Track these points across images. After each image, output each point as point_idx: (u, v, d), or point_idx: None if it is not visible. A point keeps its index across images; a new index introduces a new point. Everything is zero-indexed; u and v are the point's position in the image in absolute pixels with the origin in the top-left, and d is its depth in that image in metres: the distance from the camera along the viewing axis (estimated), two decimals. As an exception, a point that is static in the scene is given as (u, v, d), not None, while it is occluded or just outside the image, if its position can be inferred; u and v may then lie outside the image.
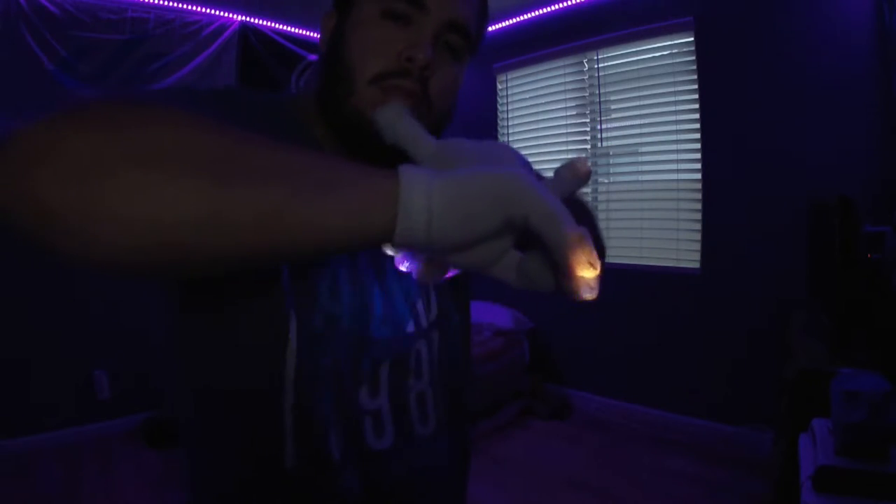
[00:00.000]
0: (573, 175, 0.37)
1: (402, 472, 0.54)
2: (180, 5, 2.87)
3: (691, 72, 2.65)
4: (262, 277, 0.48)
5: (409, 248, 0.35)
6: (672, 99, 2.74)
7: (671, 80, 2.74)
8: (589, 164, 0.37)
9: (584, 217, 0.60)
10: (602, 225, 3.03)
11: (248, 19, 3.12)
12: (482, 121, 3.50)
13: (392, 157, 0.50)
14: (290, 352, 0.48)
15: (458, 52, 0.53)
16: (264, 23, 3.20)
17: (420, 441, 0.56)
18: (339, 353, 0.51)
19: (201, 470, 0.55)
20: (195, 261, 0.32)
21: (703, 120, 2.62)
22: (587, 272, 0.33)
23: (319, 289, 0.51)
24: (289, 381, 0.48)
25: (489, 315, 3.23)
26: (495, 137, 3.39)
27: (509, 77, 3.47)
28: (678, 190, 2.76)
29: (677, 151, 2.76)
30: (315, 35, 3.45)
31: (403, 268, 0.36)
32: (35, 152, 0.28)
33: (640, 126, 2.89)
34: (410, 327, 0.56)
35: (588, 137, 3.12)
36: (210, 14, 2.98)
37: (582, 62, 3.12)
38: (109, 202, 0.28)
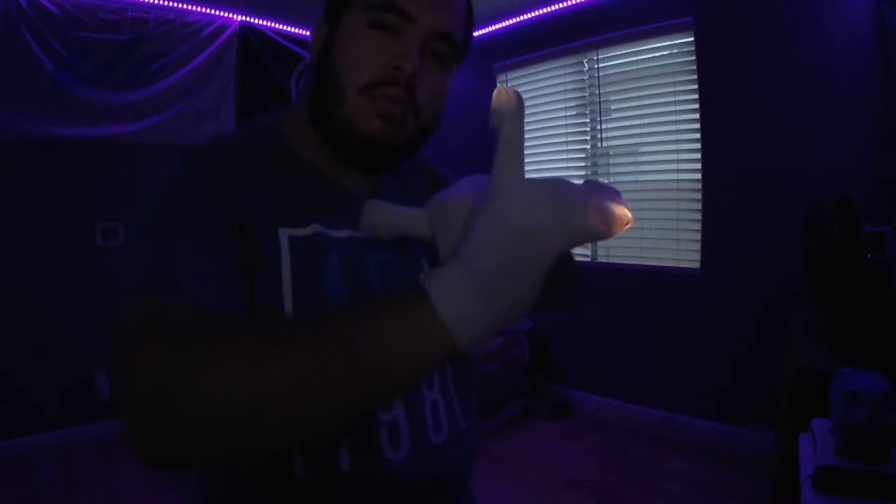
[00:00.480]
0: (500, 106, 0.36)
1: (416, 481, 0.55)
2: (180, 5, 2.87)
3: (691, 72, 2.65)
4: (264, 296, 0.49)
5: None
6: (672, 99, 2.74)
7: (671, 80, 2.74)
8: (509, 92, 0.36)
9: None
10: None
11: (248, 19, 3.12)
12: (482, 121, 3.49)
13: (383, 162, 0.58)
14: None
15: (444, 60, 0.55)
16: (264, 23, 3.20)
17: (434, 449, 0.56)
18: None
19: (208, 472, 0.55)
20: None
21: (702, 120, 2.62)
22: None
23: (327, 301, 0.52)
24: None
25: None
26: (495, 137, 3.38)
27: (509, 77, 3.47)
28: (678, 190, 2.76)
29: (677, 151, 2.76)
30: (315, 35, 3.45)
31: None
32: (148, 419, 0.35)
33: (640, 126, 2.89)
34: None
35: (588, 137, 3.12)
36: (210, 14, 2.98)
37: (582, 62, 3.12)
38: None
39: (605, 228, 0.32)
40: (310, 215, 0.54)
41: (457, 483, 0.61)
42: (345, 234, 0.55)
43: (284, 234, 0.51)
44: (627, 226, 0.33)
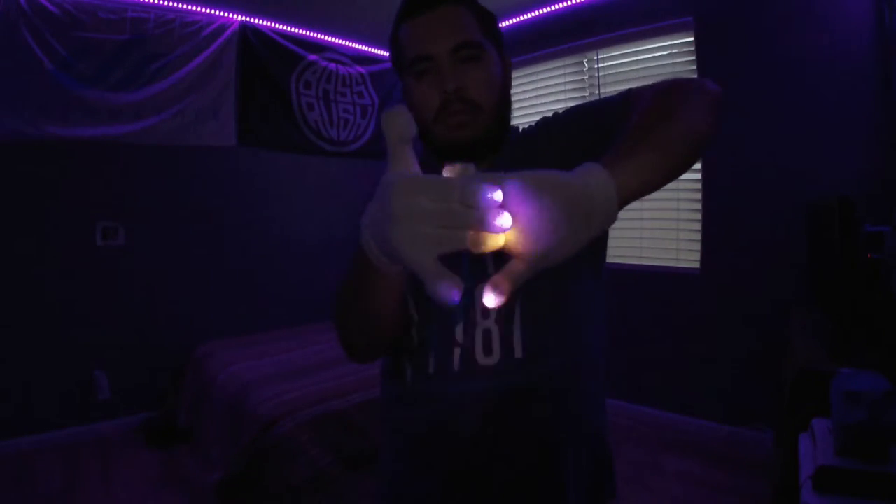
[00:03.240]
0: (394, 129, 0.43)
1: (464, 394, 0.70)
2: (180, 5, 2.87)
3: (691, 72, 2.65)
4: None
5: None
6: (672, 99, 2.74)
7: (671, 80, 2.74)
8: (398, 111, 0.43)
9: None
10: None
11: (248, 19, 3.12)
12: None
13: (482, 151, 0.72)
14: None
15: (475, 58, 0.69)
16: (264, 23, 3.20)
17: (482, 370, 0.69)
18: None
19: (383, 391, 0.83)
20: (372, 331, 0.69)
21: (703, 120, 2.61)
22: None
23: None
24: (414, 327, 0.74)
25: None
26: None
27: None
28: (678, 190, 2.76)
29: (677, 151, 2.75)
30: (314, 35, 3.45)
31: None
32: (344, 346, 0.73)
33: (640, 126, 2.89)
34: (469, 274, 0.67)
35: (588, 137, 3.12)
36: (210, 14, 2.98)
37: (582, 62, 3.12)
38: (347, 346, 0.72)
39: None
40: None
41: (515, 408, 0.70)
42: None
43: None
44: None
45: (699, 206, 2.67)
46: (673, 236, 2.80)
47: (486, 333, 0.70)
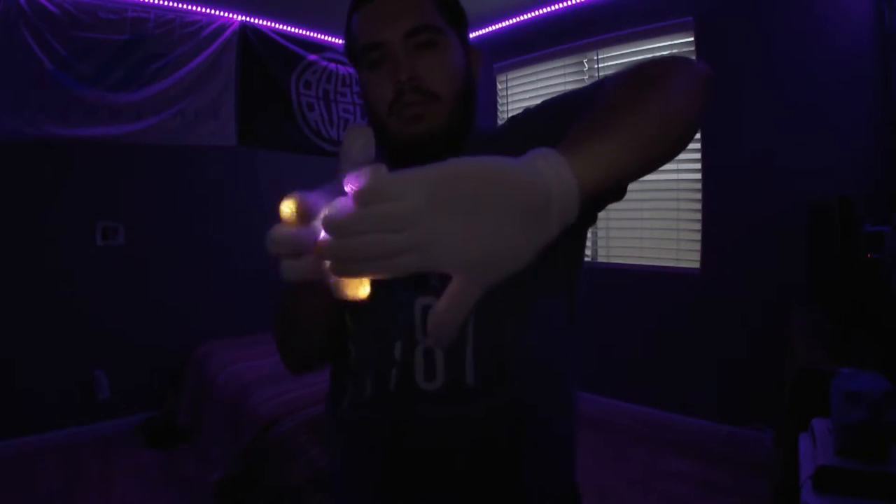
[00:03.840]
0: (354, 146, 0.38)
1: (413, 419, 0.62)
2: (180, 5, 2.87)
3: (691, 72, 2.65)
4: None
5: None
6: (672, 99, 2.74)
7: (671, 80, 2.74)
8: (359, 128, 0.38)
9: None
10: (602, 225, 3.03)
11: (247, 19, 3.12)
12: (482, 121, 3.49)
13: (442, 149, 0.63)
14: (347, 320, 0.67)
15: (432, 44, 0.63)
16: (264, 23, 3.20)
17: (425, 395, 0.61)
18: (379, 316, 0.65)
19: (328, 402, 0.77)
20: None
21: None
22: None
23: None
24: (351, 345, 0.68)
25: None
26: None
27: (509, 77, 3.47)
28: (678, 190, 2.76)
29: (677, 151, 2.75)
30: (314, 35, 3.45)
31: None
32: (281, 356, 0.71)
33: (640, 126, 2.89)
34: (407, 285, 0.62)
35: (588, 137, 3.11)
36: (210, 14, 2.97)
37: (582, 62, 3.12)
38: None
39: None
40: None
41: (458, 434, 0.60)
42: None
43: None
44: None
45: (699, 206, 2.67)
46: (673, 236, 2.80)
47: (428, 354, 0.61)
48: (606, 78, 0.57)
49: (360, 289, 0.32)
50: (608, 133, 0.40)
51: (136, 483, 2.32)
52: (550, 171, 0.33)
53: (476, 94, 0.69)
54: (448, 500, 0.61)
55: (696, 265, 2.70)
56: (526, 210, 0.31)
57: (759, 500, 2.00)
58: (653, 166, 0.44)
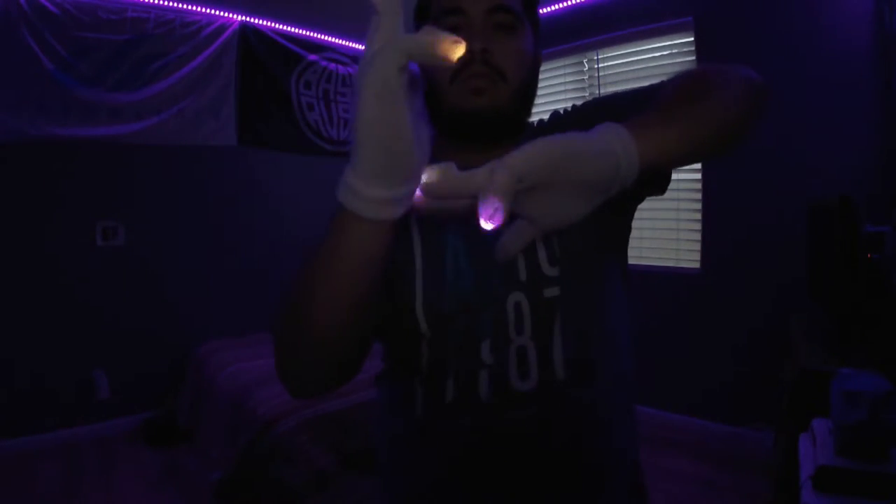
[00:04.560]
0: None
1: (503, 422, 0.58)
2: (180, 5, 2.87)
3: (691, 72, 2.65)
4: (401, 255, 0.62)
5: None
6: (672, 99, 2.74)
7: (671, 80, 2.74)
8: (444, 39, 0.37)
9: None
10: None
11: (248, 19, 3.12)
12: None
13: (497, 131, 0.63)
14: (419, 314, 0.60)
15: (510, 26, 0.62)
16: (264, 23, 3.20)
17: (518, 397, 0.58)
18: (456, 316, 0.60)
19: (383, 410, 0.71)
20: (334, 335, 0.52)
21: (703, 120, 2.61)
22: None
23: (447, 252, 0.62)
24: (423, 340, 0.61)
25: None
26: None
27: (509, 77, 3.47)
28: (678, 190, 2.76)
29: (677, 151, 2.75)
30: (314, 35, 3.45)
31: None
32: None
33: (640, 126, 2.89)
34: (499, 281, 0.60)
35: (588, 137, 3.12)
36: (210, 14, 2.97)
37: (582, 62, 3.12)
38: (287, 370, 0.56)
39: None
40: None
41: (560, 433, 0.59)
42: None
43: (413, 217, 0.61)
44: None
45: (699, 206, 2.67)
46: (673, 236, 2.80)
47: (521, 351, 0.59)
48: (667, 81, 0.61)
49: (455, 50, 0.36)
50: (670, 122, 0.45)
51: (136, 483, 2.32)
52: (619, 145, 0.39)
53: (536, 90, 0.68)
54: (530, 499, 0.60)
55: (696, 265, 2.69)
56: (598, 180, 0.38)
57: (759, 500, 2.00)
58: (701, 159, 0.54)
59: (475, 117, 0.61)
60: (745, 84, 0.56)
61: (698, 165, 2.65)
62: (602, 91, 3.03)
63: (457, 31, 0.60)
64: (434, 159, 0.63)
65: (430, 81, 0.62)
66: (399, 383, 0.65)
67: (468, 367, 0.59)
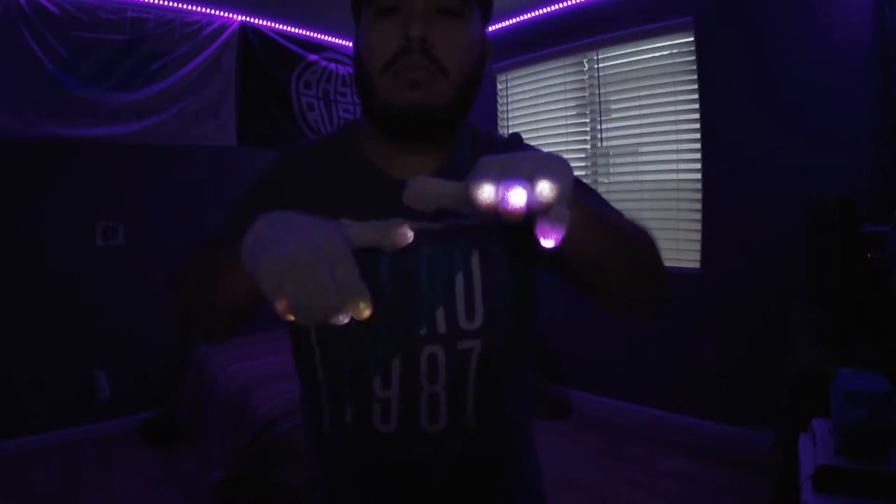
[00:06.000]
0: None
1: (403, 457, 0.60)
2: (180, 5, 2.87)
3: (691, 72, 2.65)
4: None
5: None
6: (672, 99, 2.74)
7: (671, 80, 2.74)
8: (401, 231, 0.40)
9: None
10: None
11: (248, 19, 3.12)
12: (482, 121, 3.50)
13: (432, 130, 0.59)
14: (314, 343, 0.60)
15: (456, 11, 0.55)
16: (264, 23, 3.20)
17: (425, 435, 0.60)
18: (357, 347, 0.59)
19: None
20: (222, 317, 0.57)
21: (702, 120, 2.62)
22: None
23: (379, 280, 0.61)
24: (319, 367, 0.61)
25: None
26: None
27: (509, 77, 3.47)
28: (678, 190, 2.76)
29: (677, 151, 2.76)
30: (314, 35, 3.45)
31: None
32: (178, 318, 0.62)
33: (640, 126, 2.89)
34: (423, 331, 0.59)
35: (588, 137, 3.12)
36: (210, 14, 2.98)
37: (582, 62, 3.12)
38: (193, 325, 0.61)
39: None
40: (364, 210, 0.51)
41: (455, 473, 0.61)
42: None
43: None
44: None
45: (699, 206, 2.67)
46: (673, 236, 2.80)
47: (433, 398, 0.59)
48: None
49: None
50: (604, 219, 0.47)
51: (135, 483, 2.32)
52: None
53: (480, 85, 0.61)
54: None
55: (697, 265, 2.69)
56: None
57: (759, 500, 2.00)
58: (607, 270, 0.49)
59: (406, 114, 0.54)
60: (664, 274, 0.57)
61: (698, 165, 2.65)
62: (602, 91, 3.03)
63: (392, 13, 0.54)
64: (366, 158, 0.63)
65: (360, 70, 0.57)
66: (309, 394, 0.66)
67: (361, 398, 0.59)
